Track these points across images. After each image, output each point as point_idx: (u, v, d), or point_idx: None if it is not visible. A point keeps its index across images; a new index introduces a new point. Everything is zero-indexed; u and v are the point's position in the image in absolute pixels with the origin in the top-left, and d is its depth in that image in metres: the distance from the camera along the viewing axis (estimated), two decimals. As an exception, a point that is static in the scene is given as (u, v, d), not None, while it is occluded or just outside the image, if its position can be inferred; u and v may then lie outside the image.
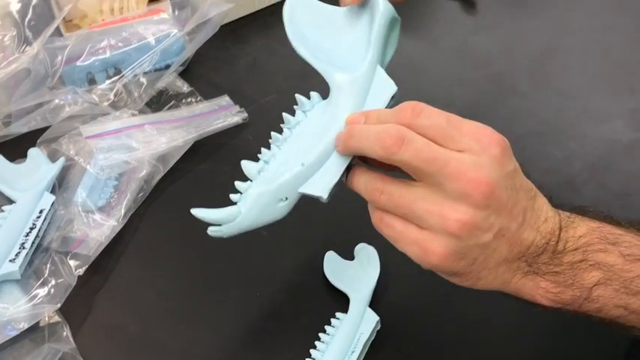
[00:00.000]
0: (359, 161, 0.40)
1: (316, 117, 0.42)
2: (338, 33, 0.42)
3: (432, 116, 0.36)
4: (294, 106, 0.43)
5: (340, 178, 0.40)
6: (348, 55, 0.41)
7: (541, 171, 0.67)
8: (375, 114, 0.39)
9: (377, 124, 0.37)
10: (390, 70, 0.77)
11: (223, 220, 0.42)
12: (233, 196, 0.42)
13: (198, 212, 0.42)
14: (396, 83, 0.75)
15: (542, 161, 0.68)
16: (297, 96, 0.43)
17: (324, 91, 0.44)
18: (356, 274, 0.56)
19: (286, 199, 0.42)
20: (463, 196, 0.34)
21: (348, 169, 0.41)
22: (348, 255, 0.57)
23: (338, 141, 0.39)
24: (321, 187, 0.40)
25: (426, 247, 0.36)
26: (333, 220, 0.61)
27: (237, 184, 0.42)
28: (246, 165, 0.42)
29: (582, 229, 0.37)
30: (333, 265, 0.56)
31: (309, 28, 0.42)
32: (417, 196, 0.36)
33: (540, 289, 0.38)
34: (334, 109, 0.40)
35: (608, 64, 0.80)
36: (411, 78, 0.77)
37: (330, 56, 0.41)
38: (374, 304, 0.54)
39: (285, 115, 0.43)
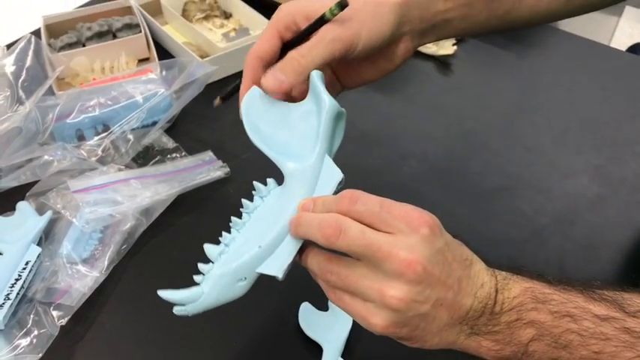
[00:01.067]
0: (310, 243, 0.43)
1: (272, 202, 0.46)
2: (290, 125, 0.45)
3: (367, 203, 0.39)
4: (253, 191, 0.47)
5: (294, 258, 0.44)
6: (300, 146, 0.44)
7: (509, 224, 0.70)
8: (320, 201, 0.42)
9: (322, 211, 0.41)
10: (366, 128, 0.81)
11: (187, 301, 0.45)
12: (196, 277, 0.46)
13: (163, 294, 0.45)
14: (373, 140, 0.79)
15: (510, 215, 0.71)
16: (255, 183, 0.47)
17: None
18: (329, 324, 0.58)
19: (245, 278, 0.45)
20: (398, 274, 0.38)
21: (302, 249, 0.44)
22: (322, 306, 0.59)
23: (290, 226, 0.43)
24: (276, 267, 0.44)
25: (369, 319, 0.40)
26: (307, 272, 0.63)
27: (200, 266, 0.46)
28: (208, 248, 0.46)
29: (516, 289, 0.40)
30: (308, 316, 0.58)
31: (264, 120, 0.46)
32: (359, 275, 0.39)
33: (483, 348, 0.41)
34: (287, 196, 0.44)
35: (574, 121, 0.84)
36: (387, 135, 0.81)
37: (283, 147, 0.45)
38: (346, 355, 0.56)
39: (244, 200, 0.47)
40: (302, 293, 0.60)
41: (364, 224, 0.39)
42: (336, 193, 0.43)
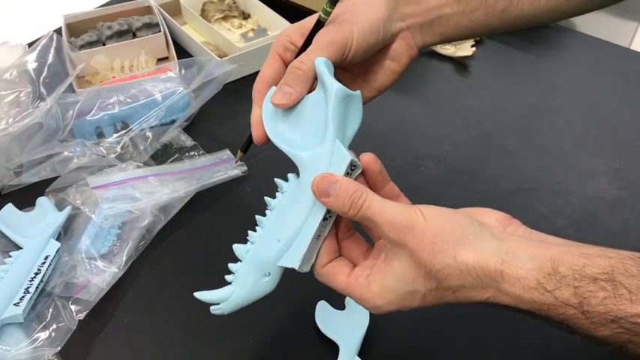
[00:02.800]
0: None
1: (291, 195, 0.46)
2: (304, 118, 0.45)
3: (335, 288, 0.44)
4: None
5: (311, 247, 0.44)
6: (313, 135, 0.44)
7: (528, 226, 0.69)
8: None
9: None
10: (384, 129, 0.80)
11: (220, 300, 0.46)
12: (227, 277, 0.47)
13: (199, 295, 0.47)
14: (391, 141, 0.79)
15: (528, 217, 0.70)
16: (276, 180, 0.47)
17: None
18: (346, 323, 0.58)
19: (269, 274, 0.46)
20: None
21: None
22: (338, 304, 0.59)
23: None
24: (293, 259, 0.44)
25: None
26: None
27: (230, 265, 0.47)
28: (236, 248, 0.47)
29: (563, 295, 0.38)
30: (324, 315, 0.58)
31: (282, 121, 0.46)
32: None
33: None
34: (301, 187, 0.44)
35: (594, 123, 0.83)
36: (405, 136, 0.80)
37: (299, 140, 0.45)
38: (363, 354, 0.56)
39: (266, 198, 0.47)
40: (319, 291, 0.60)
41: None
42: (348, 175, 0.43)
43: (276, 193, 0.47)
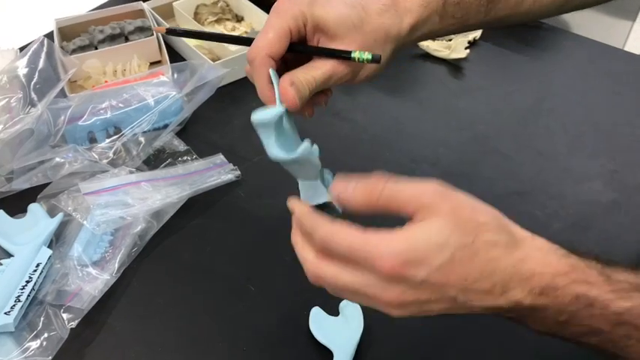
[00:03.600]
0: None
1: None
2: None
3: (337, 250, 0.39)
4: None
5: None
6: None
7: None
8: (298, 218, 0.43)
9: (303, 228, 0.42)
10: (378, 132, 0.80)
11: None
12: None
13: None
14: (385, 144, 0.79)
15: (523, 221, 0.69)
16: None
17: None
18: (340, 329, 0.57)
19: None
20: (383, 304, 0.39)
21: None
22: (332, 311, 0.58)
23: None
24: None
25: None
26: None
27: None
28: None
29: (566, 297, 0.39)
30: (319, 321, 0.58)
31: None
32: (354, 297, 0.41)
33: (529, 327, 0.41)
34: None
35: (588, 125, 0.83)
36: (399, 139, 0.80)
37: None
38: (357, 360, 0.56)
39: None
40: (313, 298, 0.59)
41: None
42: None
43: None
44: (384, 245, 0.37)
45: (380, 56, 0.46)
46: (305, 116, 0.50)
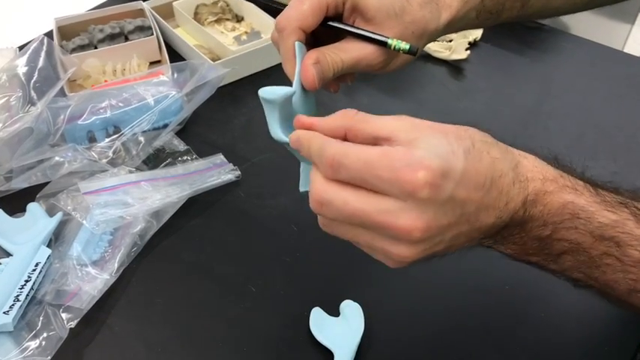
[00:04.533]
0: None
1: None
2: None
3: (350, 169, 0.35)
4: None
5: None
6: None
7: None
8: (306, 143, 0.39)
9: (309, 154, 0.38)
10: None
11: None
12: None
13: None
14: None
15: (524, 221, 0.70)
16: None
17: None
18: (341, 330, 0.57)
19: None
20: (399, 239, 0.35)
21: None
22: (333, 311, 0.58)
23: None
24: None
25: (384, 261, 0.38)
26: (319, 276, 0.62)
27: None
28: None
29: (554, 204, 0.37)
30: (319, 321, 0.57)
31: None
32: (359, 232, 0.37)
33: (508, 251, 0.40)
34: None
35: (588, 127, 0.83)
36: (399, 139, 0.80)
37: None
38: (358, 361, 0.55)
39: None
40: (313, 298, 0.59)
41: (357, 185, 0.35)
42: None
43: None
44: (410, 157, 0.33)
45: (417, 48, 0.45)
46: (330, 91, 0.49)
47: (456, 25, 0.52)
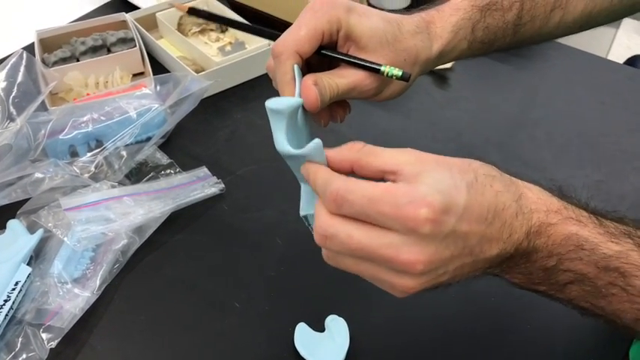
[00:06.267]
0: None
1: None
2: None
3: (354, 205, 0.36)
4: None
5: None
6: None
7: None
8: (312, 178, 0.40)
9: (315, 188, 0.39)
10: (366, 142, 0.79)
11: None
12: None
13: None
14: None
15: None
16: None
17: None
18: (326, 345, 0.56)
19: None
20: (402, 271, 0.36)
21: None
22: (318, 326, 0.58)
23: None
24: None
25: (390, 291, 0.39)
26: (304, 291, 0.62)
27: None
28: None
29: (558, 236, 0.38)
30: (304, 337, 0.57)
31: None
32: (364, 265, 0.37)
33: (514, 281, 0.40)
34: None
35: (573, 135, 0.83)
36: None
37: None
38: (343, 376, 0.55)
39: None
40: (298, 313, 0.59)
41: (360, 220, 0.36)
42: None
43: None
44: (412, 194, 0.34)
45: (410, 75, 0.45)
46: (320, 123, 0.49)
47: (448, 54, 0.53)
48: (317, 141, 0.40)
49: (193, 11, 0.55)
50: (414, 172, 0.36)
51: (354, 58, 0.46)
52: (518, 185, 0.40)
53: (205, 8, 0.97)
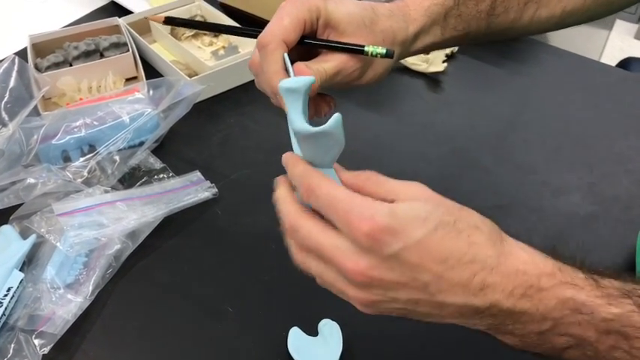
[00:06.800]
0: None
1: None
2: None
3: (318, 198, 0.37)
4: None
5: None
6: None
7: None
8: (290, 167, 0.41)
9: (291, 179, 0.41)
10: (357, 147, 0.80)
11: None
12: None
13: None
14: (364, 159, 0.78)
15: (502, 234, 0.70)
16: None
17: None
18: (319, 349, 0.56)
19: None
20: (350, 280, 0.37)
21: None
22: (312, 330, 0.58)
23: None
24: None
25: (350, 301, 0.39)
26: (297, 295, 0.62)
27: None
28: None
29: (551, 300, 0.37)
30: (297, 341, 0.57)
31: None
32: (323, 269, 0.39)
33: (508, 343, 0.39)
34: None
35: (566, 138, 0.84)
36: (378, 154, 0.80)
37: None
38: (337, 381, 0.55)
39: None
40: (291, 317, 0.59)
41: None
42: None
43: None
44: (366, 207, 0.36)
45: (393, 52, 0.46)
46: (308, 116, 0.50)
47: (423, 39, 0.54)
48: (337, 116, 0.39)
49: (169, 21, 0.55)
50: (407, 197, 0.37)
51: (338, 42, 0.47)
52: (508, 243, 0.39)
53: (198, 12, 0.97)
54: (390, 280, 0.36)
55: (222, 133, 0.81)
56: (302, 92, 0.40)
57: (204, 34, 0.95)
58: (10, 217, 0.65)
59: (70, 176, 0.69)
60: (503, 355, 0.57)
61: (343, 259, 0.36)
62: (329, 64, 0.47)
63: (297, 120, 0.39)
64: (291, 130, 0.42)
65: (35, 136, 0.69)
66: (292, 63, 0.46)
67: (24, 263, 0.62)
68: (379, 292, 0.37)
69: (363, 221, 0.35)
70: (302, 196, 0.39)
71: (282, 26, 0.45)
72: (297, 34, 0.46)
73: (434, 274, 0.36)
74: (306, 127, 0.39)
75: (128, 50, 0.86)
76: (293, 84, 0.40)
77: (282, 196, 0.41)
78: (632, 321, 0.36)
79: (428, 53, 0.90)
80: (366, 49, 0.47)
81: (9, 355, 0.54)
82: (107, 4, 1.04)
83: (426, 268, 0.35)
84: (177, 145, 0.78)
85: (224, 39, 0.95)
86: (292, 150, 0.43)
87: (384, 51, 0.46)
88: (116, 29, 0.90)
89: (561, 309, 0.36)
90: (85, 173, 0.70)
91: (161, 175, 0.73)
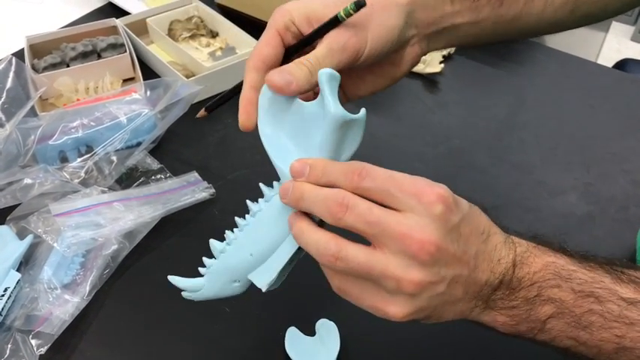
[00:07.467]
0: (308, 222, 0.40)
1: (273, 208, 0.43)
2: (298, 127, 0.42)
3: (376, 179, 0.37)
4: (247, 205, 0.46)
5: (283, 271, 0.43)
6: (304, 152, 0.42)
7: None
8: (321, 166, 0.40)
9: (325, 181, 0.39)
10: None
11: (191, 289, 0.47)
12: (201, 270, 0.47)
13: (172, 279, 0.48)
14: (360, 158, 0.78)
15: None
16: (261, 185, 0.45)
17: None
18: (316, 349, 0.57)
19: (239, 281, 0.45)
20: (411, 257, 0.36)
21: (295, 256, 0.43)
22: (309, 330, 0.58)
23: (285, 194, 0.41)
24: (262, 279, 0.44)
25: (385, 308, 0.38)
26: (294, 295, 0.62)
27: (205, 260, 0.47)
28: (213, 243, 0.46)
29: (537, 264, 0.39)
30: (294, 341, 0.57)
31: (275, 120, 0.43)
32: (370, 259, 0.37)
33: (498, 322, 0.40)
34: (283, 208, 0.42)
35: (563, 138, 0.84)
36: (375, 154, 0.79)
37: (287, 151, 0.42)
38: (334, 380, 0.55)
39: (248, 202, 0.45)
40: (288, 317, 0.59)
41: (373, 201, 0.37)
42: None
43: (259, 199, 0.44)
44: (429, 182, 0.37)
45: (364, 1, 0.42)
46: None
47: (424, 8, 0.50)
48: (364, 109, 0.42)
49: (210, 109, 0.53)
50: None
51: (315, 31, 0.45)
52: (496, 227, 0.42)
53: (195, 13, 0.97)
54: (453, 253, 0.37)
55: (220, 133, 0.81)
56: (338, 79, 0.41)
57: (202, 36, 0.95)
58: (7, 218, 0.65)
59: (68, 177, 0.69)
60: (501, 356, 0.58)
61: (412, 233, 0.36)
62: (319, 49, 0.45)
63: (337, 105, 0.39)
64: (275, 160, 0.42)
65: (32, 137, 0.69)
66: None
67: (21, 263, 0.62)
68: (435, 271, 0.36)
69: (436, 188, 0.37)
70: (352, 179, 0.38)
71: (257, 47, 0.45)
72: (274, 46, 0.45)
73: (476, 247, 0.38)
74: (344, 112, 0.40)
75: (125, 51, 0.86)
76: (332, 71, 0.40)
77: (305, 228, 0.40)
78: (603, 284, 0.39)
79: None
80: (339, 14, 0.43)
81: (6, 356, 0.54)
82: (104, 5, 1.04)
83: (472, 240, 0.38)
84: (175, 146, 0.78)
85: (222, 40, 0.95)
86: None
87: (352, 5, 0.43)
88: (113, 30, 0.90)
89: (544, 273, 0.39)
90: (83, 174, 0.70)
91: (158, 176, 0.73)
